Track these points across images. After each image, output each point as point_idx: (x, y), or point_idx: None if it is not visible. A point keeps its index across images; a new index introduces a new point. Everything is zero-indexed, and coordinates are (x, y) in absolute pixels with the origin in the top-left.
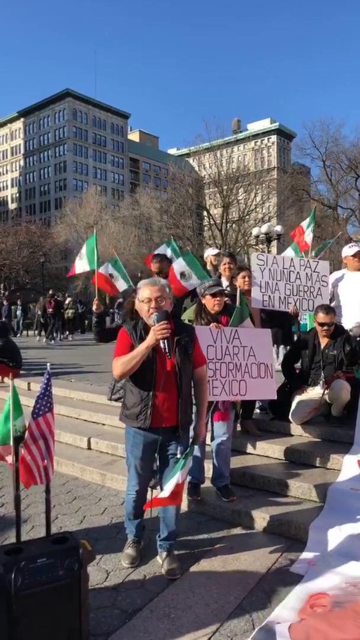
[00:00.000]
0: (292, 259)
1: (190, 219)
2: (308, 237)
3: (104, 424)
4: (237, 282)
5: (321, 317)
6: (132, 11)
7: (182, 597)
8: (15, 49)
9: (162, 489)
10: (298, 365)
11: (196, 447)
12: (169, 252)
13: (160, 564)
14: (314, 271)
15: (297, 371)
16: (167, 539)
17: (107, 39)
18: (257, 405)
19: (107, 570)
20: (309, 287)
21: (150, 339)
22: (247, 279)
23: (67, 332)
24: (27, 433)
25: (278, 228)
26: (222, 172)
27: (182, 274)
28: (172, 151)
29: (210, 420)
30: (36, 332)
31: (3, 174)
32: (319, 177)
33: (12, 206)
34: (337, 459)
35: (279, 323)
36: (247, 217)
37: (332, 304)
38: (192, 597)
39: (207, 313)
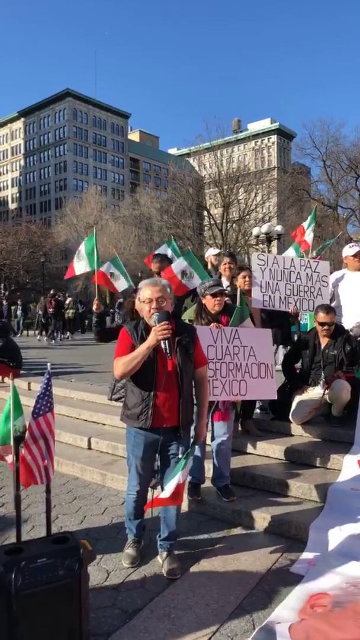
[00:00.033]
0: (292, 259)
1: (190, 219)
2: (309, 236)
3: (104, 424)
4: (237, 282)
5: (321, 316)
6: (132, 11)
7: (182, 597)
8: (15, 49)
9: (162, 489)
10: (298, 365)
11: (196, 447)
12: (169, 252)
13: (160, 564)
14: (314, 271)
15: (298, 371)
16: (168, 539)
17: (107, 39)
18: (257, 405)
19: (107, 570)
20: (309, 287)
21: (151, 340)
22: (247, 278)
23: (68, 333)
24: (27, 433)
25: (278, 228)
26: (223, 172)
27: (184, 273)
28: (173, 151)
29: (210, 420)
30: (36, 332)
31: (3, 173)
32: (319, 177)
33: (12, 206)
34: (338, 459)
35: (279, 323)
36: (248, 217)
37: (333, 304)
38: (192, 597)
39: (207, 313)
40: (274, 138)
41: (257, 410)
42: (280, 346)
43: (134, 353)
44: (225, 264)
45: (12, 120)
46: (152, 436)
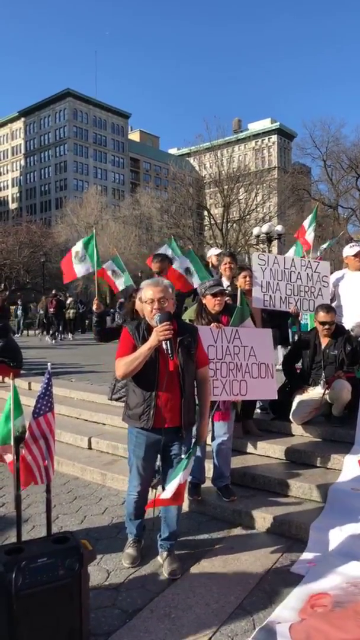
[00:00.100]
0: (292, 259)
1: (190, 219)
2: (309, 236)
3: (104, 424)
4: (238, 282)
5: (322, 315)
6: (132, 11)
7: (182, 597)
8: (15, 49)
9: (163, 489)
10: (299, 365)
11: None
12: (170, 252)
13: (160, 563)
14: (314, 271)
15: (298, 371)
16: (168, 539)
17: (108, 39)
18: (257, 405)
19: (107, 570)
20: (309, 287)
21: (152, 340)
22: (248, 278)
23: (70, 334)
24: (27, 433)
25: (279, 228)
26: (223, 172)
27: (188, 270)
28: (173, 151)
29: (210, 420)
30: (37, 331)
31: (4, 173)
32: (319, 176)
33: (12, 206)
34: (338, 459)
35: (278, 323)
36: (248, 216)
37: (333, 304)
38: (192, 597)
39: (207, 313)
40: (274, 138)
41: (258, 410)
42: (280, 346)
43: (135, 353)
44: (225, 263)
45: (12, 120)
46: (153, 436)
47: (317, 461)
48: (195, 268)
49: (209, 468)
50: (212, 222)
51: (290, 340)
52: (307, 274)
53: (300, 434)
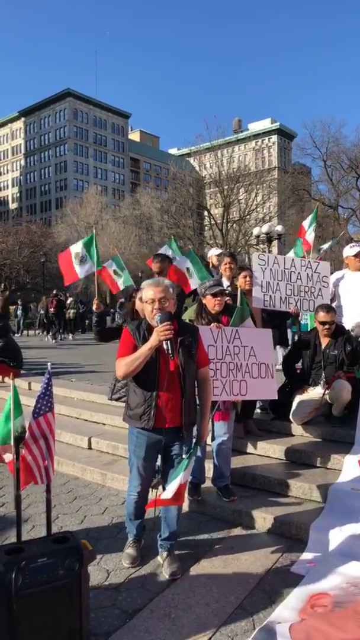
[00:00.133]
0: (292, 260)
1: (191, 219)
2: (309, 236)
3: (104, 424)
4: (238, 282)
5: (322, 315)
6: (132, 11)
7: (182, 597)
8: (15, 49)
9: (164, 489)
10: (299, 365)
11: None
12: (170, 253)
13: (160, 563)
14: (314, 272)
15: (298, 371)
16: (168, 539)
17: (108, 39)
18: (257, 405)
19: (107, 570)
20: (309, 287)
21: (153, 340)
22: (248, 278)
23: (70, 334)
24: (27, 433)
25: (279, 228)
26: (223, 172)
27: (187, 270)
28: (173, 151)
29: (210, 420)
30: (37, 331)
31: (4, 173)
32: (319, 176)
33: (12, 206)
34: (338, 459)
35: (276, 323)
36: (248, 216)
37: (333, 304)
38: (192, 597)
39: (207, 313)
40: (274, 138)
41: (258, 410)
42: (279, 346)
43: (136, 354)
44: (225, 264)
45: (12, 120)
46: (154, 437)
47: (317, 461)
48: (195, 268)
49: (209, 468)
50: (212, 222)
51: (290, 340)
52: (307, 274)
53: (300, 434)
